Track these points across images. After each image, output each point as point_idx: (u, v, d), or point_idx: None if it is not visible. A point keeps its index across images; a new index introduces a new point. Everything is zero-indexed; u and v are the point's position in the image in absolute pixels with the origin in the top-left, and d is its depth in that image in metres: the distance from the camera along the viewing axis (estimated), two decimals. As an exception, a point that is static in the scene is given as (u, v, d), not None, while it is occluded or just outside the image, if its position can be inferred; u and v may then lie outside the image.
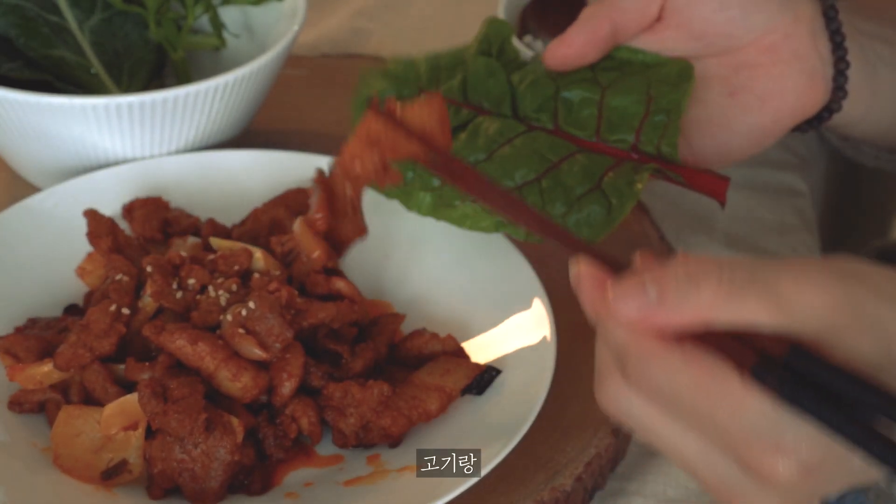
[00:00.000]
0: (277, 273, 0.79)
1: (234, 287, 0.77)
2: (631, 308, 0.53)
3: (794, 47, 0.77)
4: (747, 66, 0.78)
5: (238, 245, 0.81)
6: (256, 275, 0.78)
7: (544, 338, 0.77)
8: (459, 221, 0.79)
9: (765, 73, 0.78)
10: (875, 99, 0.83)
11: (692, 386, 0.51)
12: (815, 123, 0.82)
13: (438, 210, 0.80)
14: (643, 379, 0.53)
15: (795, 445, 0.50)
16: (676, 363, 0.52)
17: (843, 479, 0.52)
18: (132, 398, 0.72)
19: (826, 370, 0.49)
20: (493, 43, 0.84)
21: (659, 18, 0.78)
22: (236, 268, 0.79)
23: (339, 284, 0.79)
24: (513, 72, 0.82)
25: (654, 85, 0.78)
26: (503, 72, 0.82)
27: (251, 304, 0.73)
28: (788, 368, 0.50)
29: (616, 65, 0.80)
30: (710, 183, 0.77)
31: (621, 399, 0.55)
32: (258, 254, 0.80)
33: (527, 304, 0.80)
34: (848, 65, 0.79)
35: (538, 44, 1.04)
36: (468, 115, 0.82)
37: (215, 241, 0.82)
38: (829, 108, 0.80)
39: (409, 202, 0.80)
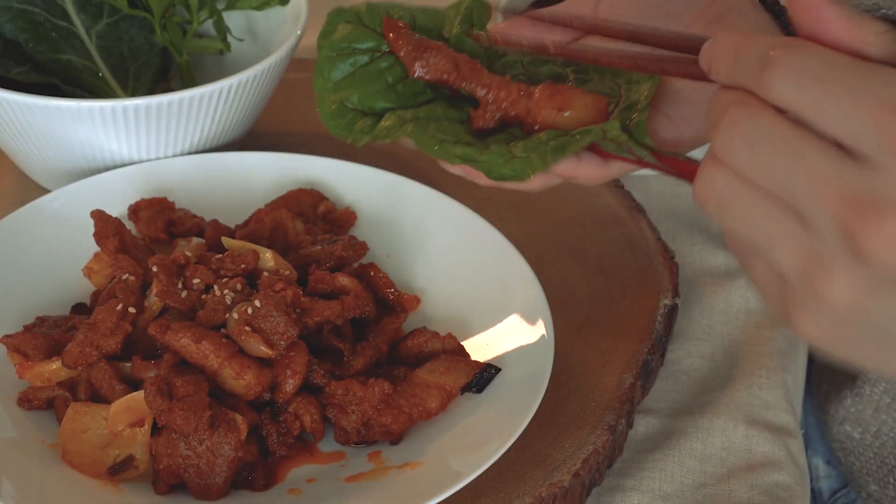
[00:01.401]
0: (287, 273, 0.80)
1: (239, 286, 0.77)
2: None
3: (740, 15, 0.76)
4: None
5: (249, 245, 0.81)
6: (266, 274, 0.79)
7: (542, 336, 0.78)
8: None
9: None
10: None
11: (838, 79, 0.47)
12: None
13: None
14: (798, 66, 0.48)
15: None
16: (826, 58, 0.47)
17: None
18: (138, 395, 0.73)
19: None
20: (475, 25, 0.80)
21: (600, 23, 0.76)
22: (243, 266, 0.79)
23: (344, 280, 0.80)
24: (493, 61, 0.80)
25: (624, 85, 0.77)
26: (485, 61, 0.79)
27: (257, 303, 0.74)
28: None
29: (584, 66, 0.78)
30: (683, 166, 0.73)
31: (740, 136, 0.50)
32: (268, 254, 0.80)
33: (526, 304, 0.81)
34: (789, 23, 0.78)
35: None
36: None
37: (227, 241, 0.83)
38: None
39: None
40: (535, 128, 0.73)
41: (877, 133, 0.45)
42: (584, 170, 0.72)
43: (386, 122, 0.73)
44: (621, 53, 0.68)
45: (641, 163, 0.73)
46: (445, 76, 0.74)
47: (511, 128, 0.74)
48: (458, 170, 0.72)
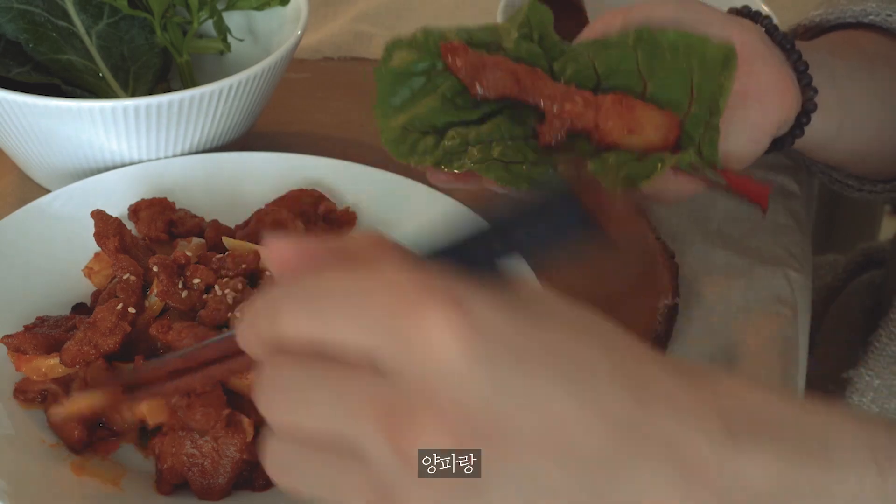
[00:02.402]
0: None
1: (240, 286, 0.77)
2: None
3: (753, 50, 0.77)
4: None
5: (249, 246, 0.81)
6: (268, 273, 0.79)
7: (543, 336, 0.78)
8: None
9: (737, 75, 0.77)
10: (846, 116, 0.84)
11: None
12: (795, 132, 0.82)
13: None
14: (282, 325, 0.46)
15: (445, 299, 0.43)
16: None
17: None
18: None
19: None
20: (534, 28, 0.79)
21: None
22: (244, 266, 0.79)
23: None
24: (554, 59, 0.78)
25: (698, 71, 0.75)
26: (545, 60, 0.78)
27: None
28: None
29: (659, 49, 0.77)
30: (753, 188, 0.74)
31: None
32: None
33: (525, 304, 0.81)
34: (806, 65, 0.79)
35: None
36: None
37: (228, 241, 0.83)
38: (807, 111, 0.80)
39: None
40: (604, 145, 0.71)
41: (385, 340, 0.43)
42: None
43: (449, 142, 0.71)
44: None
45: (710, 183, 0.72)
46: (506, 91, 0.73)
47: (578, 139, 0.72)
48: (497, 190, 0.71)
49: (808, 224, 1.04)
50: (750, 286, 0.94)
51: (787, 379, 0.88)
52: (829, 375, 0.99)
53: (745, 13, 0.84)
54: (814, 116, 0.81)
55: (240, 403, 0.73)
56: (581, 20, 1.05)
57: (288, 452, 0.46)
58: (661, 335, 0.85)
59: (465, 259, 0.46)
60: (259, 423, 0.73)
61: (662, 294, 0.88)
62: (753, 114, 0.78)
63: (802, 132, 0.82)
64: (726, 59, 0.75)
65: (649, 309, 0.87)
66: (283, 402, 0.46)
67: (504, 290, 0.46)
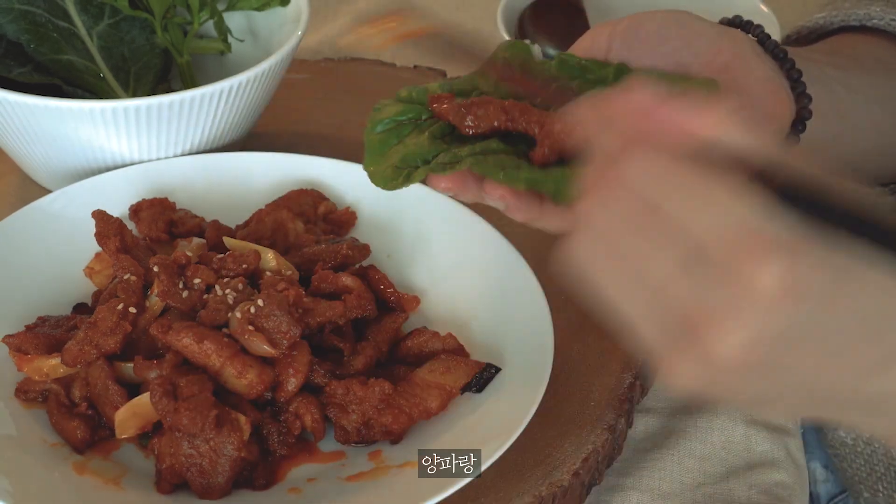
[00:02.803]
0: (289, 273, 0.80)
1: (241, 286, 0.77)
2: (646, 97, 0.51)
3: (745, 63, 0.78)
4: None
5: (250, 246, 0.81)
6: (268, 273, 0.79)
7: (542, 336, 0.78)
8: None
9: (729, 87, 0.76)
10: (843, 123, 0.84)
11: (684, 184, 0.49)
12: (790, 140, 0.81)
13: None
14: (633, 176, 0.50)
15: (785, 246, 0.46)
16: (672, 161, 0.49)
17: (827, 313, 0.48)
18: (141, 400, 0.73)
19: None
20: (516, 67, 0.80)
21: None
22: (244, 266, 0.79)
23: (347, 280, 0.80)
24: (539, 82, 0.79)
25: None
26: (526, 97, 0.78)
27: (260, 302, 0.74)
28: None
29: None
30: None
31: (596, 214, 0.51)
32: (269, 254, 0.81)
33: (526, 304, 0.81)
34: (800, 73, 0.80)
35: (536, 48, 1.04)
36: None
37: (228, 241, 0.83)
38: (801, 118, 0.80)
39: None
40: None
41: (720, 251, 0.47)
42: None
43: (442, 159, 0.73)
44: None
45: None
46: (496, 123, 0.74)
47: (572, 161, 0.72)
48: (499, 202, 0.71)
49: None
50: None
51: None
52: None
53: (737, 23, 0.83)
54: (809, 123, 0.81)
55: (236, 402, 0.73)
56: (582, 23, 1.05)
57: (595, 255, 0.51)
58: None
59: (817, 217, 0.48)
60: (255, 422, 0.73)
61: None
62: None
63: (798, 139, 0.82)
64: (709, 90, 0.75)
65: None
66: (603, 221, 0.50)
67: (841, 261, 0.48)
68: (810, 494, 1.01)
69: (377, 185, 0.75)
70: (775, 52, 0.80)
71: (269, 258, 0.80)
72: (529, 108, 0.75)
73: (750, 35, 0.80)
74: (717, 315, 0.47)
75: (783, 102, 0.78)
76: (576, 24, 1.04)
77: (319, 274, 0.80)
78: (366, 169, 0.75)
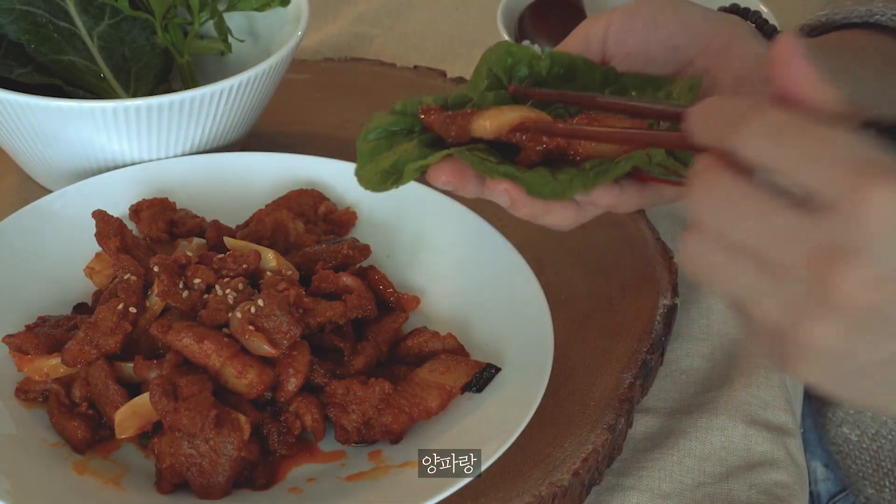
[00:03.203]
0: (289, 273, 0.80)
1: (241, 286, 0.77)
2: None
3: (743, 46, 0.78)
4: (708, 71, 0.78)
5: (251, 246, 0.81)
6: (269, 273, 0.79)
7: (542, 336, 0.78)
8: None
9: (728, 73, 0.77)
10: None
11: (800, 130, 0.50)
12: None
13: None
14: (759, 134, 0.51)
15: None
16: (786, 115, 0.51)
17: None
18: (141, 400, 0.73)
19: None
20: (501, 75, 0.81)
21: (608, 59, 0.79)
22: (244, 266, 0.79)
23: (347, 280, 0.80)
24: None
25: (667, 100, 0.77)
26: (513, 102, 0.79)
27: (260, 302, 0.74)
28: None
29: (624, 89, 0.79)
30: None
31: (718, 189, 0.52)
32: (270, 254, 0.81)
33: (525, 303, 0.81)
34: None
35: (536, 47, 1.04)
36: None
37: (229, 241, 0.83)
38: None
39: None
40: (579, 159, 0.73)
41: (835, 182, 0.48)
42: (626, 198, 0.73)
43: (431, 158, 0.74)
44: (618, 132, 0.70)
45: (683, 183, 0.72)
46: (478, 135, 0.75)
47: (557, 163, 0.74)
48: (502, 197, 0.72)
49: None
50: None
51: (787, 377, 0.88)
52: None
53: (734, 10, 0.84)
54: None
55: (236, 402, 0.73)
56: (578, 17, 1.05)
57: (711, 252, 0.52)
58: (660, 335, 0.85)
59: None
60: (255, 422, 0.73)
61: (661, 294, 0.88)
62: None
63: None
64: (691, 87, 0.77)
65: (649, 308, 0.87)
66: (717, 208, 0.51)
67: None
68: (810, 493, 1.01)
69: (366, 187, 0.75)
70: (774, 36, 0.80)
71: (270, 258, 0.81)
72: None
73: (748, 22, 0.80)
74: (839, 253, 0.48)
75: None
76: (575, 23, 1.04)
77: (320, 274, 0.80)
78: (356, 174, 0.76)
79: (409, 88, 1.11)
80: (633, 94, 0.79)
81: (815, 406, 1.03)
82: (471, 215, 0.87)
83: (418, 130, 0.79)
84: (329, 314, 0.77)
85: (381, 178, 0.76)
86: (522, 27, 1.07)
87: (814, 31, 0.92)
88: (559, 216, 0.72)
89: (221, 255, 0.81)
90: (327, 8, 1.29)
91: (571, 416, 0.79)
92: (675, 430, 0.82)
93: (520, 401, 0.74)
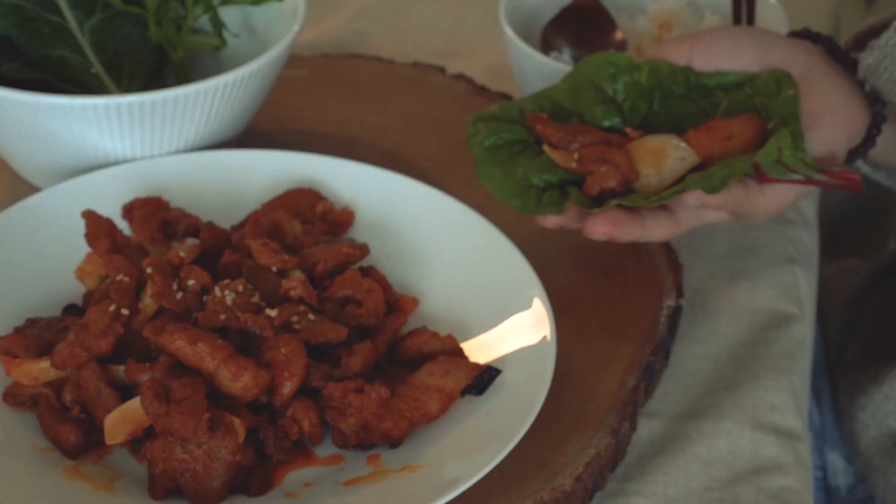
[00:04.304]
0: (310, 301, 0.79)
1: (241, 287, 0.77)
2: None
3: (820, 73, 0.83)
4: None
5: (300, 276, 0.80)
6: (292, 293, 0.79)
7: (544, 338, 0.77)
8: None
9: (807, 96, 0.83)
10: None
11: None
12: (867, 144, 0.87)
13: None
14: None
15: None
16: None
17: None
18: (132, 404, 0.72)
19: None
20: (605, 86, 0.88)
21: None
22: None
23: (370, 284, 0.80)
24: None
25: (754, 95, 0.83)
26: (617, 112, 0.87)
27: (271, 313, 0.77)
28: None
29: (708, 91, 0.85)
30: (846, 176, 0.79)
31: None
32: (298, 274, 0.80)
33: (527, 304, 0.80)
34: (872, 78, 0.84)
35: (565, 55, 1.05)
36: None
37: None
38: (876, 123, 0.85)
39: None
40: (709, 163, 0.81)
41: None
42: (753, 202, 0.80)
43: (573, 196, 0.81)
44: None
45: (809, 182, 0.79)
46: (598, 153, 0.82)
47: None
48: (601, 228, 0.79)
49: (814, 222, 1.04)
50: (755, 287, 0.93)
51: (795, 378, 0.87)
52: (866, 373, 1.02)
53: (804, 34, 0.89)
54: (885, 126, 0.86)
55: (231, 406, 0.72)
56: (607, 23, 1.06)
57: None
58: (664, 336, 0.85)
59: None
60: (251, 426, 0.72)
61: (666, 295, 0.88)
62: (827, 132, 0.83)
63: (874, 143, 0.87)
64: (777, 80, 0.82)
65: (652, 310, 0.86)
66: None
67: None
68: (829, 487, 1.03)
69: (503, 199, 0.82)
70: (846, 61, 0.87)
71: (298, 279, 0.80)
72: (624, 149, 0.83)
73: (819, 46, 0.86)
74: None
75: (858, 108, 0.85)
76: (604, 30, 1.06)
77: (345, 274, 0.80)
78: (483, 181, 0.83)
79: (409, 85, 1.11)
80: (721, 94, 0.85)
81: (841, 401, 1.05)
82: (472, 215, 0.87)
83: (532, 141, 0.85)
84: (331, 336, 0.77)
85: (516, 190, 0.82)
86: (547, 39, 1.07)
87: (862, 37, 0.95)
88: (659, 231, 0.80)
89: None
90: (325, 3, 1.29)
91: (574, 419, 0.78)
92: (681, 434, 0.82)
93: (521, 404, 0.73)
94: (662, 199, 0.78)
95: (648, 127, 0.86)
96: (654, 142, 0.82)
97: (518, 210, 0.81)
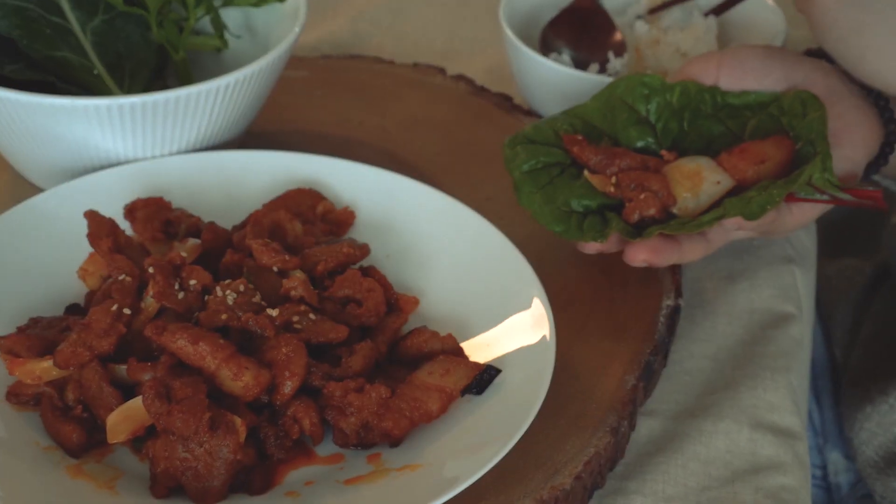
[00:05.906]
0: (311, 301, 0.79)
1: (242, 287, 0.77)
2: None
3: (838, 93, 0.86)
4: None
5: (301, 276, 0.80)
6: (293, 293, 0.79)
7: (543, 337, 0.77)
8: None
9: (828, 115, 0.84)
10: None
11: None
12: (880, 161, 0.89)
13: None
14: None
15: None
16: None
17: None
18: (133, 403, 0.72)
19: None
20: (638, 106, 0.89)
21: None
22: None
23: (370, 284, 0.80)
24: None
25: (780, 116, 0.85)
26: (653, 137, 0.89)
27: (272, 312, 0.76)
28: None
29: (735, 111, 0.87)
30: (870, 195, 0.81)
31: None
32: (299, 274, 0.80)
33: (526, 304, 0.80)
34: (887, 100, 0.87)
35: (564, 56, 1.05)
36: None
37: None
38: (890, 141, 0.87)
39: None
40: (744, 185, 0.83)
41: None
42: (781, 221, 0.82)
43: (615, 224, 0.83)
44: None
45: (835, 201, 0.81)
46: (635, 179, 0.83)
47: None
48: (642, 255, 0.81)
49: (812, 223, 1.04)
50: (753, 286, 0.93)
51: (793, 377, 0.87)
52: (870, 374, 1.03)
53: (820, 54, 0.91)
54: None
55: (232, 405, 0.72)
56: (606, 24, 1.06)
57: None
58: (663, 336, 0.85)
59: None
60: (251, 425, 0.72)
61: (665, 294, 0.88)
62: (848, 150, 0.85)
63: (886, 160, 0.89)
64: (803, 101, 0.84)
65: (651, 309, 0.87)
66: None
67: None
68: (830, 484, 1.03)
69: (545, 225, 0.84)
70: (878, 99, 0.89)
71: (299, 280, 0.80)
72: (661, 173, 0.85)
73: (835, 66, 0.88)
74: None
75: (874, 127, 0.87)
76: (604, 30, 1.06)
77: (346, 274, 0.80)
78: (525, 205, 0.85)
79: (409, 86, 1.11)
80: (747, 114, 0.87)
81: (843, 403, 1.05)
82: (472, 215, 0.87)
83: (569, 164, 0.87)
84: (332, 336, 0.77)
85: (558, 216, 0.84)
86: (546, 41, 1.07)
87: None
88: (693, 253, 0.82)
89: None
90: (326, 4, 1.29)
91: (573, 418, 0.78)
92: (680, 434, 0.82)
93: (520, 403, 0.73)
94: (702, 225, 0.79)
95: (680, 147, 0.88)
96: (690, 165, 0.84)
97: (559, 237, 0.84)
